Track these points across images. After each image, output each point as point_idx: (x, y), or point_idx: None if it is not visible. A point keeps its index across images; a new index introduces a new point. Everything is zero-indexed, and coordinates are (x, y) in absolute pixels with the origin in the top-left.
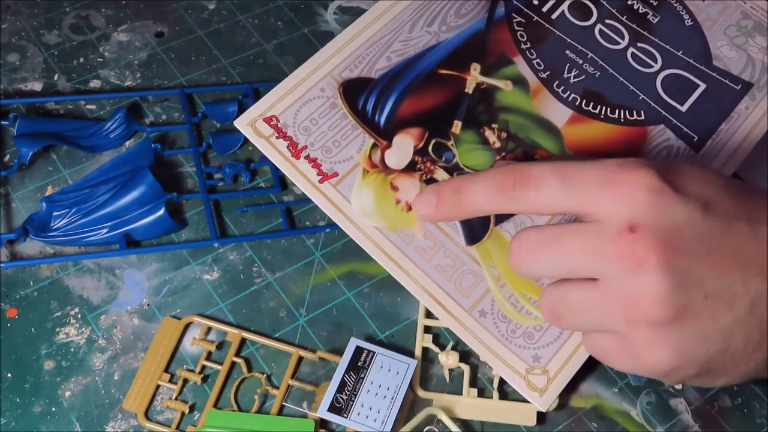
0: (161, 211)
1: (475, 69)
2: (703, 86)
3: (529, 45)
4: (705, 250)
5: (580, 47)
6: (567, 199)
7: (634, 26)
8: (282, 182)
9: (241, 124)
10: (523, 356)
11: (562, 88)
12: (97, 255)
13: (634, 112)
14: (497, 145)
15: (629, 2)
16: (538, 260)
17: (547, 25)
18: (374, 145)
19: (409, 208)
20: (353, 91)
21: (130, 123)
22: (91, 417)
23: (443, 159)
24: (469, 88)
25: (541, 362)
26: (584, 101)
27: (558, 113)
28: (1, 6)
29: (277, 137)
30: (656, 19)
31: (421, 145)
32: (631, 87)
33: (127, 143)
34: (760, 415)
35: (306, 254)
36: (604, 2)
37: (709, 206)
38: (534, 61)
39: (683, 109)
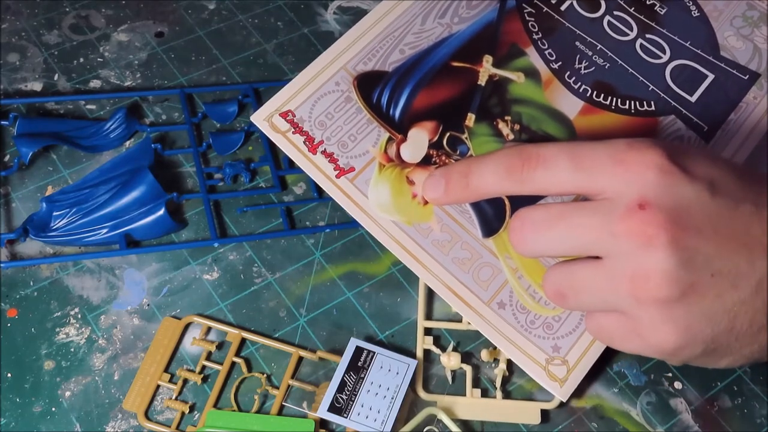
0: (161, 211)
1: (488, 61)
2: (711, 77)
3: (540, 35)
4: (712, 229)
5: (589, 39)
6: (577, 178)
7: (641, 18)
8: (282, 182)
9: (257, 119)
10: (542, 347)
11: (573, 79)
12: (97, 255)
13: (644, 102)
14: (511, 137)
15: None
16: (541, 238)
17: (556, 16)
18: (389, 139)
19: (426, 202)
20: (367, 85)
21: (130, 123)
22: (91, 417)
23: (458, 152)
24: (482, 81)
25: (560, 352)
26: (595, 92)
27: (569, 104)
28: (1, 6)
29: (293, 132)
30: (663, 11)
31: (435, 138)
32: (641, 78)
33: (127, 143)
34: (760, 415)
35: (306, 254)
36: None
37: (716, 187)
38: (546, 52)
39: (692, 99)
